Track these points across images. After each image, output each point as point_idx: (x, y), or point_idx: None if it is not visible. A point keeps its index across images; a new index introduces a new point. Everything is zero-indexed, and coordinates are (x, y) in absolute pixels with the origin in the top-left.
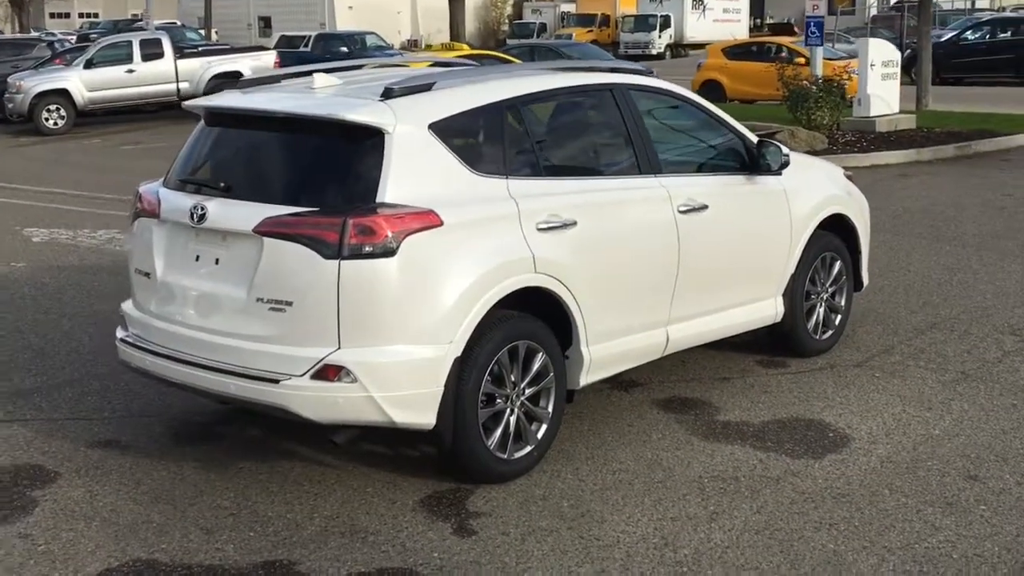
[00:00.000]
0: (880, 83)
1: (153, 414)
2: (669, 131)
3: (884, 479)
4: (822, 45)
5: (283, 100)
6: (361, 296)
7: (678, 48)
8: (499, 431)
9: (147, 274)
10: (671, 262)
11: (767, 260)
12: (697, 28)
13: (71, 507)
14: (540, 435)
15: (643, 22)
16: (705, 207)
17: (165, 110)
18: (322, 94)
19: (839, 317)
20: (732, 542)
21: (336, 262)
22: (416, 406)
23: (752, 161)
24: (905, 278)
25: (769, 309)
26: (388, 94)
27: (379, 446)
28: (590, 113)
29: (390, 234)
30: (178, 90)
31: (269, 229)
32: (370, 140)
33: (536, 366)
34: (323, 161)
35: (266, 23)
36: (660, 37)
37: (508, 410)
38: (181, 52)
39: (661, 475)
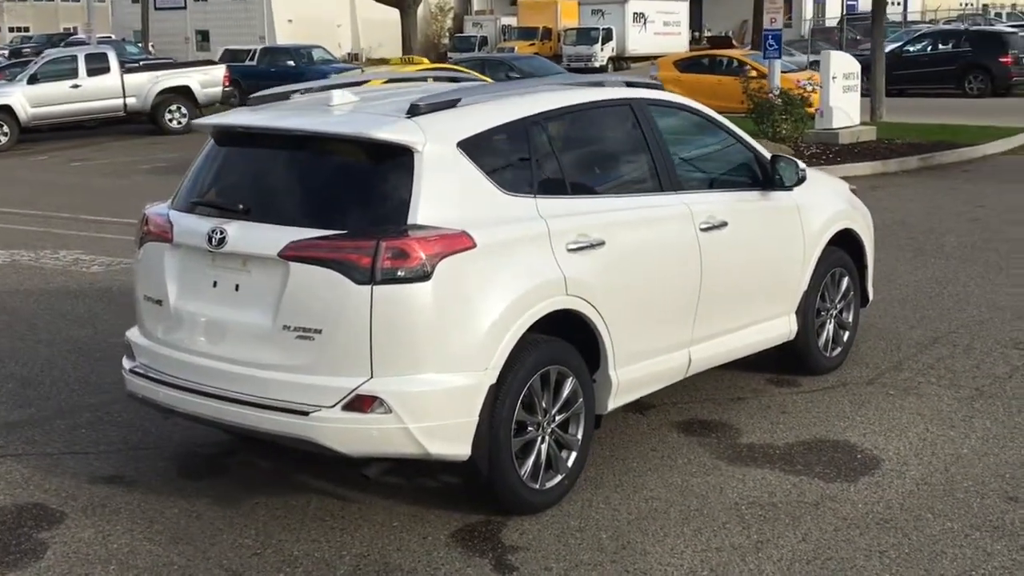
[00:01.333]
0: (842, 95)
1: (153, 447)
2: (685, 146)
3: (924, 502)
4: (780, 58)
5: (304, 118)
6: (395, 323)
7: (620, 61)
8: (531, 460)
9: (158, 301)
10: (694, 281)
11: (783, 277)
12: (638, 41)
13: (83, 550)
14: (570, 463)
15: (585, 35)
16: (725, 224)
17: (109, 125)
18: (340, 111)
19: (847, 333)
20: (784, 573)
21: (368, 287)
22: (452, 437)
23: (766, 177)
24: (898, 292)
25: (784, 327)
26: (414, 111)
27: (395, 477)
28: (612, 129)
29: (424, 257)
30: (125, 105)
31: (295, 253)
32: (398, 159)
33: (566, 392)
34: (349, 181)
35: (204, 37)
36: (602, 50)
37: (540, 438)
38: (127, 67)
39: (696, 503)
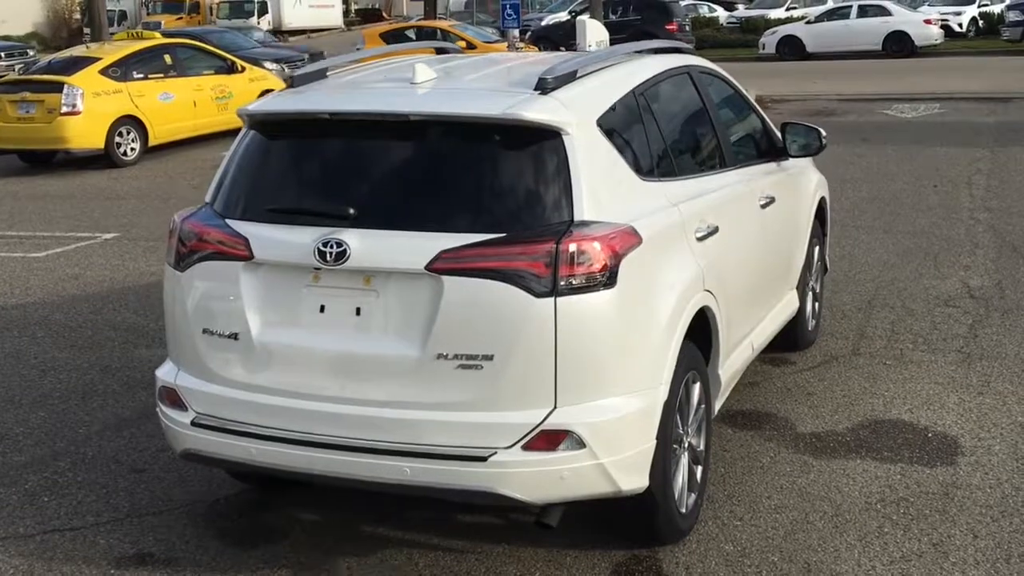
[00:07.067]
0: None
1: (156, 511)
2: (726, 118)
3: None
4: (519, 26)
5: (408, 99)
6: (581, 339)
7: (279, 35)
8: (679, 480)
9: (232, 335)
10: (761, 261)
11: (796, 251)
12: (294, 15)
13: None
14: (699, 478)
15: (239, 8)
16: (773, 200)
17: None
18: (426, 88)
19: (818, 305)
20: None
21: (551, 300)
22: (636, 467)
23: (773, 145)
24: None
25: (794, 302)
26: (543, 86)
27: (471, 516)
28: (685, 101)
29: (608, 259)
30: None
31: (450, 266)
32: (544, 143)
33: (695, 399)
34: (489, 173)
35: None
36: (259, 23)
37: (683, 455)
38: None
39: (828, 508)
